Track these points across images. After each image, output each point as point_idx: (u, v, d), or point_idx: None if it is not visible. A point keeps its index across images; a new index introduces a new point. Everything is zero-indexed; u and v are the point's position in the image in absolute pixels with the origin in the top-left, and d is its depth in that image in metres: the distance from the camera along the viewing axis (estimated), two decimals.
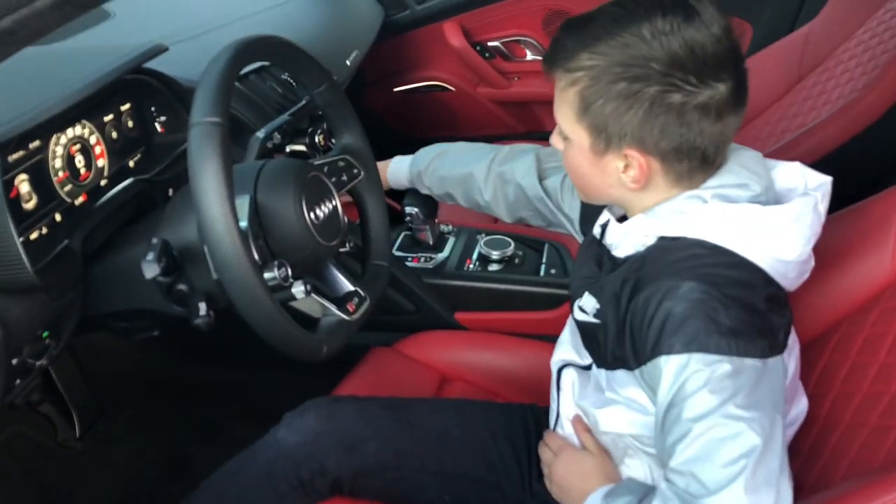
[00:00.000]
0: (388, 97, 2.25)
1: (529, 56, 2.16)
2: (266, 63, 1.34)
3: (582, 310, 0.86)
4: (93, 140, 1.01)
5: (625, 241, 0.80)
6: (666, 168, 0.75)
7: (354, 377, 1.24)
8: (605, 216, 0.87)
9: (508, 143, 2.04)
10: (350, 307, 0.97)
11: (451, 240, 1.44)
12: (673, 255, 0.74)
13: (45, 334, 0.92)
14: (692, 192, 0.76)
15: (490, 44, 2.15)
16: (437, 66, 2.18)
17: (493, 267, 1.37)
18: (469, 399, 1.16)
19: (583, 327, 0.87)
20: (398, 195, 1.35)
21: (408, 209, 1.34)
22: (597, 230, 0.89)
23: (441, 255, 1.39)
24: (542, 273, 1.36)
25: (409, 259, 1.39)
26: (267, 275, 0.82)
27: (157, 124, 1.14)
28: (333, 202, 0.97)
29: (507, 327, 1.35)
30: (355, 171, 1.08)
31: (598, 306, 0.82)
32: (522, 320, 1.34)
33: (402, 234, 1.45)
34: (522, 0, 2.07)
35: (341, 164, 1.06)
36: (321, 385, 1.16)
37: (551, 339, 1.33)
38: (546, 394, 1.01)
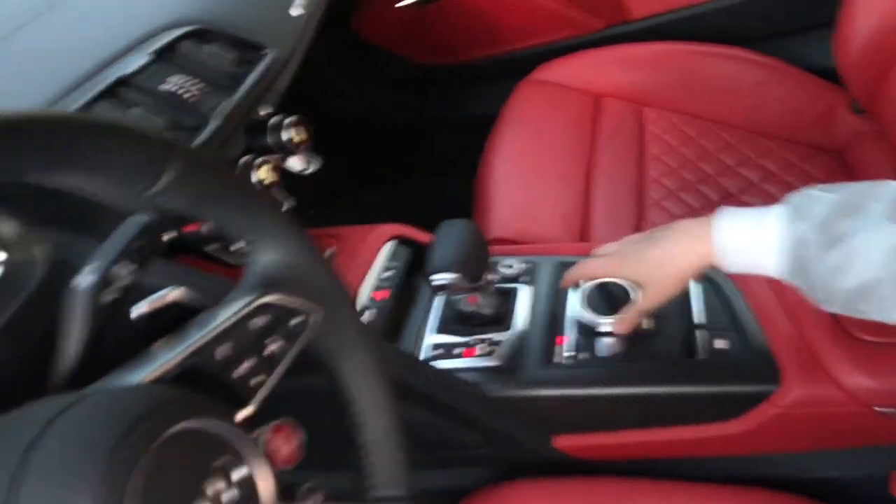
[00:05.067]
0: (387, 18, 1.55)
1: None
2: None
3: None
4: None
5: None
6: None
7: None
8: None
9: (575, 52, 1.37)
10: None
11: (524, 293, 0.83)
12: None
13: None
14: None
15: None
16: None
17: (607, 344, 0.76)
18: None
19: None
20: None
21: (435, 280, 0.72)
22: None
23: (509, 335, 0.78)
24: (698, 349, 0.74)
25: (455, 351, 0.79)
26: None
27: None
28: (239, 472, 0.38)
29: (649, 453, 0.76)
30: (295, 317, 0.48)
31: None
32: (675, 442, 0.74)
33: (439, 307, 0.84)
34: None
35: (262, 319, 0.46)
36: None
37: (740, 471, 0.74)
38: None
